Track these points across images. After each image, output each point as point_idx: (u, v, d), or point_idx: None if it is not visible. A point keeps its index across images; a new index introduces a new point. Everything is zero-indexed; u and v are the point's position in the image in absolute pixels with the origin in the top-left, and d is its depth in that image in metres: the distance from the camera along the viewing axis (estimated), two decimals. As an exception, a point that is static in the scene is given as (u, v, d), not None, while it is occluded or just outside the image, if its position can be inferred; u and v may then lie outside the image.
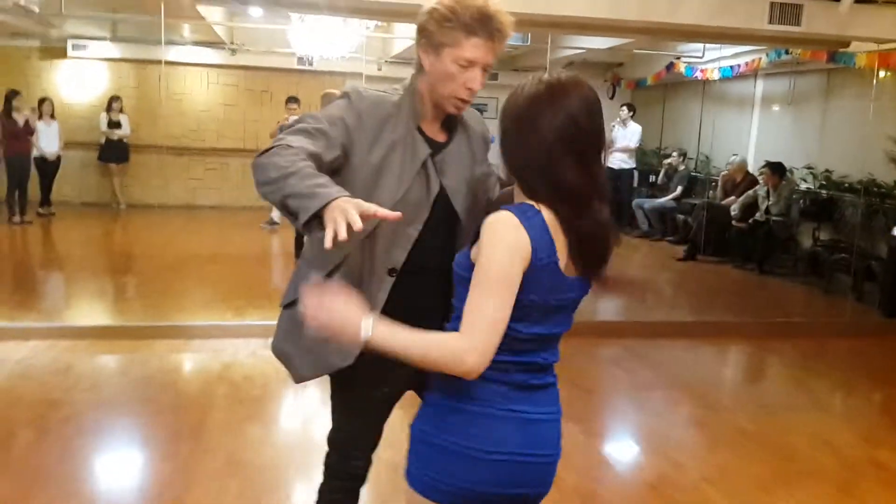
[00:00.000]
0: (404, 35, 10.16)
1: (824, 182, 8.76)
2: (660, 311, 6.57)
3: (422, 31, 1.88)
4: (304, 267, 2.05)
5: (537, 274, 1.51)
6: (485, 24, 1.83)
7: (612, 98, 12.74)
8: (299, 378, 2.05)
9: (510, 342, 1.54)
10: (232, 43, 11.59)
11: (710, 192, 10.43)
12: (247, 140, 10.94)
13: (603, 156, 1.62)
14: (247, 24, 10.54)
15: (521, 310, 1.52)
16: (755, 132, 10.32)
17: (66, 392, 4.32)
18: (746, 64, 9.44)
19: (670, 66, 10.97)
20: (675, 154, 11.09)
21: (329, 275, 1.93)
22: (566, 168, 1.53)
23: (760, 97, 10.25)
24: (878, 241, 7.81)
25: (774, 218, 8.64)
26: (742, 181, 9.45)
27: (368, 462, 2.17)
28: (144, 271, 7.61)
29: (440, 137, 2.01)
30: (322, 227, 1.55)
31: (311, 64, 11.44)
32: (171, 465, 3.48)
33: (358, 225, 1.51)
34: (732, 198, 9.36)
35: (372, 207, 1.57)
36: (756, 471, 3.71)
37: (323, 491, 2.20)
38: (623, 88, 12.82)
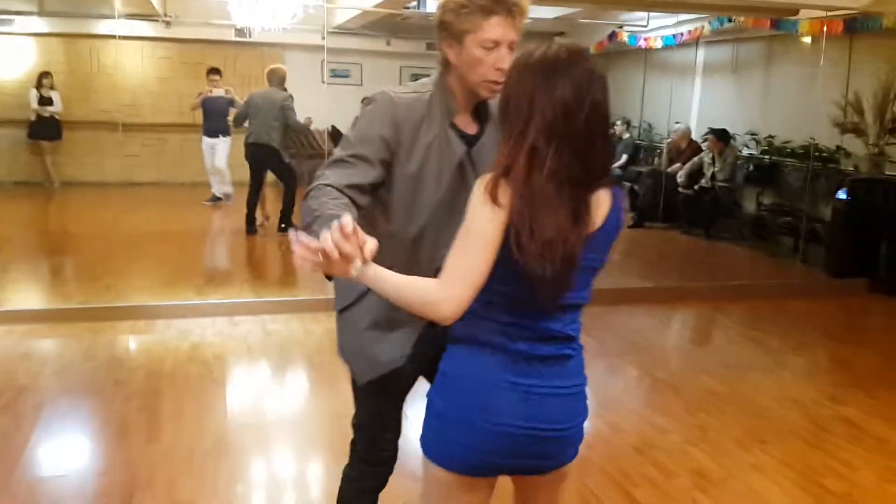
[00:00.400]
0: (347, 5, 9.98)
1: (767, 147, 9.01)
2: (615, 277, 6.67)
3: (441, 26, 1.89)
4: None
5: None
6: (501, 2, 1.83)
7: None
8: (363, 378, 2.08)
9: (506, 303, 1.59)
10: (166, 15, 11.20)
11: (656, 159, 10.62)
12: (183, 114, 10.62)
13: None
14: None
15: (509, 269, 1.53)
16: (698, 100, 10.53)
17: (34, 378, 4.16)
18: (689, 32, 9.60)
19: (613, 36, 11.07)
20: (618, 123, 11.23)
21: None
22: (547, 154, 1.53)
23: (703, 65, 10.44)
24: (821, 205, 8.09)
25: (720, 184, 8.85)
26: (687, 148, 9.64)
27: (396, 446, 2.19)
28: (94, 252, 7.34)
29: (473, 128, 2.00)
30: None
31: (249, 36, 11.14)
32: (155, 448, 3.40)
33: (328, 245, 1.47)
34: (678, 165, 9.55)
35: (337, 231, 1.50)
36: (733, 430, 3.82)
37: (351, 478, 2.20)
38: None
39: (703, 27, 9.27)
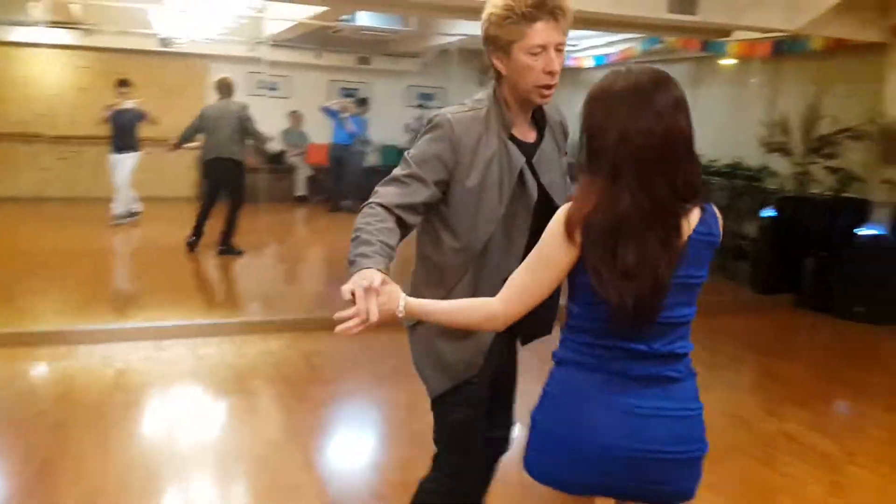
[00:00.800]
0: (279, 16, 9.78)
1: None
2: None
3: (488, 40, 1.94)
4: (420, 287, 2.07)
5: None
6: (543, 7, 1.87)
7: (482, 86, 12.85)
8: (434, 392, 2.11)
9: (594, 326, 1.61)
10: (85, 23, 10.74)
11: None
12: (102, 127, 10.22)
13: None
14: (102, 1, 9.77)
15: (591, 295, 1.57)
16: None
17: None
18: (620, 52, 9.75)
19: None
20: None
21: (450, 293, 1.99)
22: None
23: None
24: (745, 222, 8.29)
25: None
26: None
27: (482, 469, 2.29)
28: (8, 272, 6.88)
29: (531, 137, 2.05)
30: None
31: (173, 46, 10.81)
32: (80, 486, 3.15)
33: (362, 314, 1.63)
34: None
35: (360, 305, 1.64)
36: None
37: (428, 490, 2.18)
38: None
39: (633, 48, 9.43)
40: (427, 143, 1.97)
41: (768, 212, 7.39)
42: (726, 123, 8.81)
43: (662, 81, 1.58)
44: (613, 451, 1.59)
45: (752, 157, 8.41)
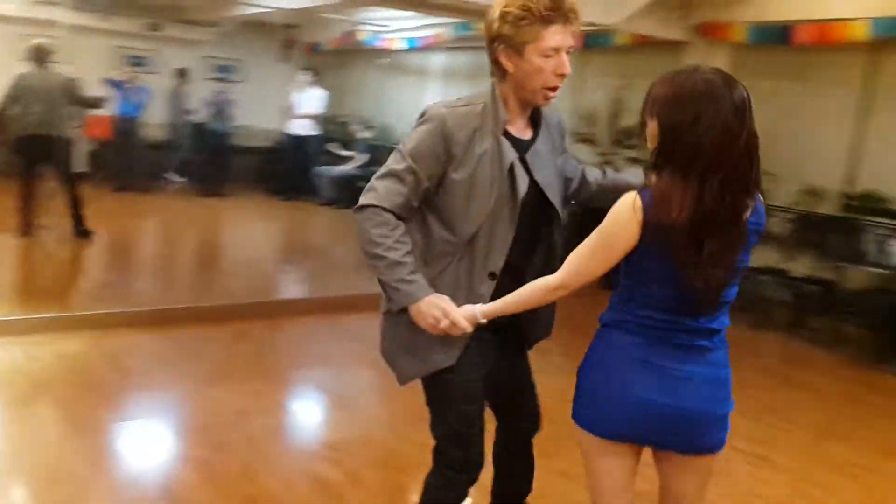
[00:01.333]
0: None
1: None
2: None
3: (499, 38, 1.95)
4: None
5: (652, 238, 1.71)
6: (559, 10, 1.90)
7: (290, 61, 12.32)
8: (404, 378, 2.17)
9: (652, 302, 1.79)
10: None
11: (396, 161, 10.58)
12: None
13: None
14: None
15: (656, 276, 1.76)
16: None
17: None
18: (432, 36, 9.67)
19: (349, 34, 10.87)
20: (357, 124, 11.09)
21: (435, 278, 2.06)
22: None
23: (444, 70, 10.61)
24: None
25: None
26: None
27: (481, 453, 2.20)
28: None
29: (527, 134, 2.10)
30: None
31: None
32: None
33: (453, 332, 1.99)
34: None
35: (452, 316, 1.97)
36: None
37: (434, 486, 2.21)
38: (299, 52, 12.44)
39: (444, 32, 9.38)
40: (421, 136, 2.00)
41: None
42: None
43: (733, 81, 1.69)
44: (652, 407, 1.78)
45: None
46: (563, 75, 1.95)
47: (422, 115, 2.03)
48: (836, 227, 6.15)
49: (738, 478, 3.55)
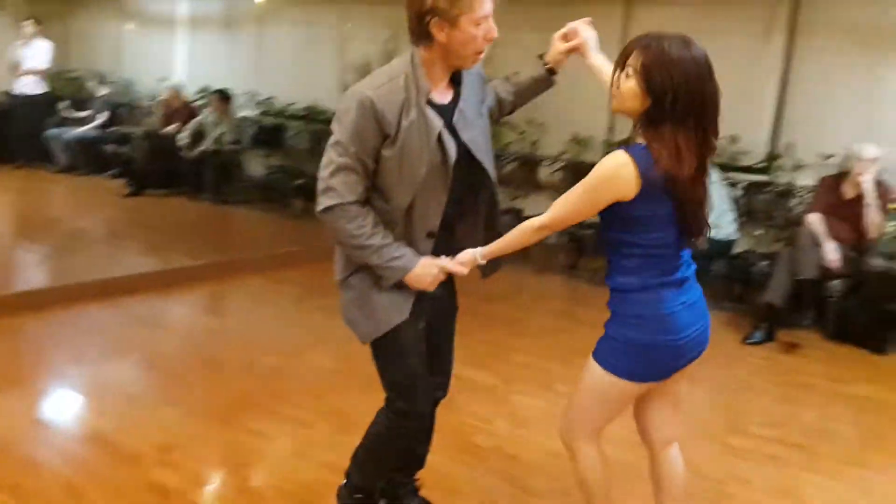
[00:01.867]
0: None
1: (267, 109, 8.92)
2: (153, 258, 5.93)
3: (432, 11, 1.99)
4: None
5: (659, 189, 1.96)
6: None
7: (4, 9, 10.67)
8: (366, 337, 2.31)
9: (660, 249, 2.07)
10: None
11: (146, 120, 9.66)
12: None
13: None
14: None
15: (657, 222, 2.04)
16: (186, 55, 9.86)
17: None
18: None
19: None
20: (92, 79, 9.96)
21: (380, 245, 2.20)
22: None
23: (189, 18, 9.79)
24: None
25: (226, 147, 8.47)
26: (181, 108, 8.95)
27: (432, 411, 2.54)
28: None
29: (448, 96, 2.18)
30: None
31: None
32: None
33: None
34: (175, 126, 8.79)
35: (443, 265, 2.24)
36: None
37: (384, 427, 2.41)
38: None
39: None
40: (354, 123, 2.06)
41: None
42: (298, 64, 8.68)
43: (691, 41, 1.94)
44: (696, 335, 2.12)
45: (328, 100, 8.45)
46: (492, 40, 2.07)
47: (345, 104, 2.10)
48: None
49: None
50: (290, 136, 8.73)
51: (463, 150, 2.18)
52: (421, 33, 2.06)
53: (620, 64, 1.98)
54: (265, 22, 9.10)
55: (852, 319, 4.95)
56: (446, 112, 2.16)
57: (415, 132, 2.09)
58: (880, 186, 4.99)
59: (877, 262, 5.18)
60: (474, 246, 2.27)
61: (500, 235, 2.25)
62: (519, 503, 2.98)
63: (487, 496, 2.99)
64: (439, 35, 2.03)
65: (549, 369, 4.33)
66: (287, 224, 7.95)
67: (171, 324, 4.96)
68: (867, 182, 4.93)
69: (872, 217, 4.92)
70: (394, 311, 2.25)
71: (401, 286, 2.23)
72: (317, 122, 8.49)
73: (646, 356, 2.13)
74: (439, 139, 2.11)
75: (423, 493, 2.76)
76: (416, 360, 2.33)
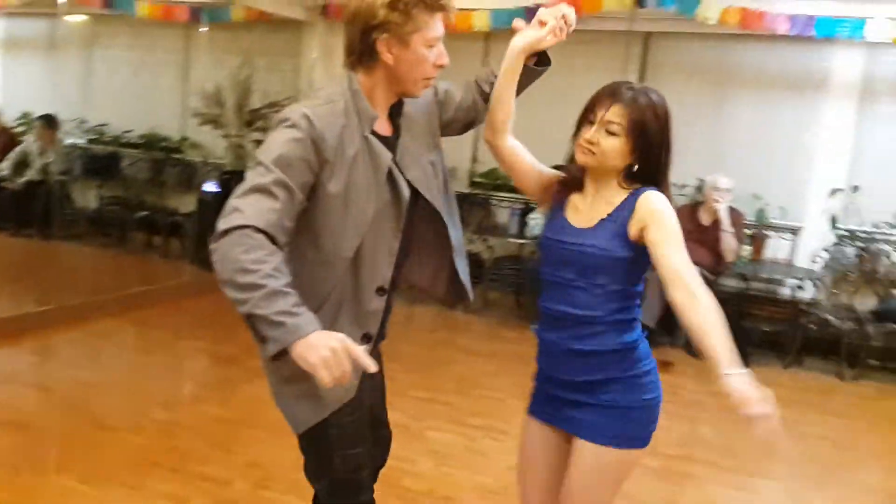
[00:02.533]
0: None
1: (97, 137, 8.28)
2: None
3: (383, 26, 1.74)
4: None
5: None
6: None
7: None
8: (302, 426, 1.88)
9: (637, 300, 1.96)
10: None
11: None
12: None
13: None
14: None
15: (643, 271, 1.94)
16: (2, 78, 8.94)
17: None
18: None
19: None
20: None
21: (318, 308, 1.76)
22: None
23: (4, 40, 8.89)
24: (171, 196, 7.87)
25: (54, 177, 7.73)
26: (0, 135, 8.10)
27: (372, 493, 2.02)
28: None
29: (388, 130, 1.88)
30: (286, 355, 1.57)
31: None
32: None
33: (348, 378, 1.55)
34: (-8, 155, 7.92)
35: (353, 351, 1.56)
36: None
37: None
38: None
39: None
40: (286, 143, 1.70)
41: (210, 186, 7.09)
42: (135, 91, 8.14)
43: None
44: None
45: (169, 127, 7.98)
46: (443, 66, 1.83)
47: (280, 121, 1.75)
48: (470, 203, 6.68)
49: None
50: (126, 165, 8.14)
51: (412, 189, 1.89)
52: (364, 52, 1.78)
53: (590, 119, 1.84)
54: (94, 45, 8.44)
55: (716, 337, 5.29)
56: (389, 147, 1.85)
57: (360, 165, 1.78)
58: (733, 213, 5.41)
59: (732, 284, 5.61)
60: (435, 300, 2.03)
61: (463, 287, 2.05)
62: (466, 546, 2.90)
63: (434, 542, 2.89)
64: (386, 55, 1.77)
65: (450, 402, 4.29)
66: (127, 260, 7.40)
67: (30, 380, 4.39)
68: (723, 210, 5.34)
69: (729, 242, 5.32)
70: (340, 390, 1.79)
71: None
72: (157, 149, 7.99)
73: (651, 416, 1.94)
74: (390, 175, 1.82)
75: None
76: (364, 448, 1.95)
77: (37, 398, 4.05)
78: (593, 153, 1.84)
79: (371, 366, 1.57)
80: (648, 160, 1.85)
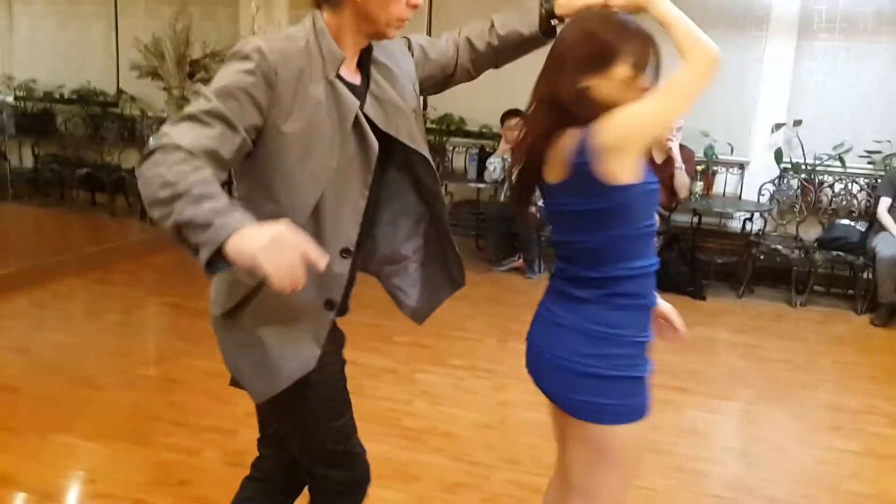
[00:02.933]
0: None
1: (26, 94, 7.95)
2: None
3: None
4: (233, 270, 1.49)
5: None
6: None
7: None
8: (259, 397, 1.73)
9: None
10: None
11: None
12: None
13: None
14: None
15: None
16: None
17: None
18: None
19: None
20: None
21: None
22: None
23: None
24: (115, 151, 7.65)
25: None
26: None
27: (367, 463, 1.87)
28: None
29: (357, 79, 1.67)
30: (226, 262, 1.35)
31: None
32: None
33: (299, 275, 1.34)
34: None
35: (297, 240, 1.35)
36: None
37: None
38: None
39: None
40: (233, 73, 1.51)
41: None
42: (62, 45, 7.83)
43: None
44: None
45: (104, 81, 7.72)
46: (416, 6, 1.63)
47: (232, 53, 1.55)
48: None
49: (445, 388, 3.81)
50: (61, 122, 7.85)
51: (388, 142, 1.69)
52: None
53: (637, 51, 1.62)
54: (12, -2, 8.06)
55: (673, 270, 5.52)
56: (358, 96, 1.65)
57: (323, 112, 1.58)
58: (684, 150, 5.61)
59: (685, 219, 5.85)
60: (407, 271, 1.92)
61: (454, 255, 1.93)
62: (475, 478, 3.02)
63: (444, 476, 3.00)
64: None
65: (431, 345, 4.39)
66: (75, 220, 7.19)
67: (6, 343, 4.29)
68: (675, 148, 5.52)
69: (682, 178, 5.52)
70: (294, 362, 1.66)
71: (301, 318, 1.66)
72: (93, 104, 7.73)
73: (636, 388, 1.73)
74: (356, 124, 1.62)
75: (384, 483, 2.55)
76: (345, 418, 1.81)
77: (19, 361, 3.98)
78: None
79: (320, 260, 1.36)
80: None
